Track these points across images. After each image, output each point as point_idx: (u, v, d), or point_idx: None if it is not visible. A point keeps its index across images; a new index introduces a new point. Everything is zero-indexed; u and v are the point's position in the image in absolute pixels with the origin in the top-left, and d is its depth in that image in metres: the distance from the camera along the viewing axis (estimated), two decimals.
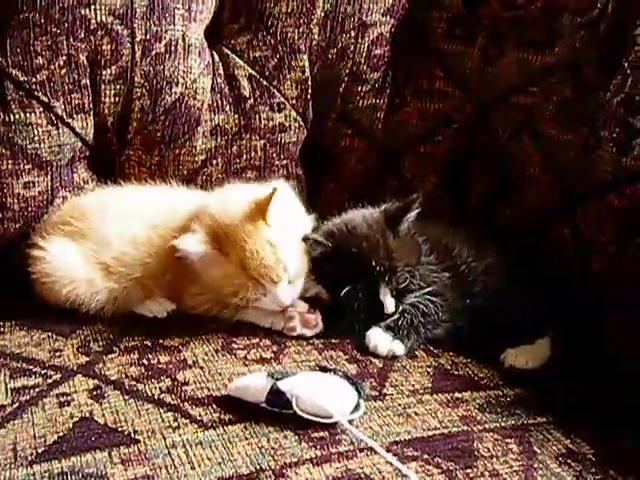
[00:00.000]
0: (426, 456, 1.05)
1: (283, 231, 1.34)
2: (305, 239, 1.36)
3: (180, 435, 1.08)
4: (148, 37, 1.51)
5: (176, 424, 1.10)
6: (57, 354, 1.29)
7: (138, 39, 1.50)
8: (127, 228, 1.41)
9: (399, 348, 1.31)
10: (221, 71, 1.62)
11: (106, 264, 1.40)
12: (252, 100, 1.62)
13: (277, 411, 1.10)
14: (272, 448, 1.05)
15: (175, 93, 1.55)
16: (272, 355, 1.30)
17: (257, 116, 1.63)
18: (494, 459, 1.05)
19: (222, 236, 1.33)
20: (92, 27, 1.47)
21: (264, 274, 1.32)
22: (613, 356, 1.31)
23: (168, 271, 1.41)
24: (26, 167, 1.48)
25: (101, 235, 1.41)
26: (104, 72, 1.51)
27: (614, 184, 1.37)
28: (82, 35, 1.47)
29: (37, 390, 1.19)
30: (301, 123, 1.66)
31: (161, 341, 1.34)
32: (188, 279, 1.40)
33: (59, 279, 1.39)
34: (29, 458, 1.03)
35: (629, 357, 1.29)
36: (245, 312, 1.39)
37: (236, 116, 1.62)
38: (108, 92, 1.52)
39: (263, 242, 1.31)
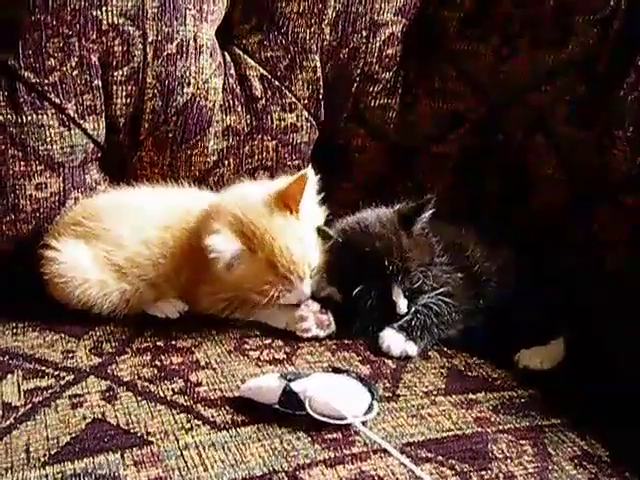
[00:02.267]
0: (440, 458, 1.05)
1: (308, 224, 1.34)
2: (318, 230, 1.36)
3: (193, 436, 1.08)
4: (159, 38, 1.51)
5: (189, 425, 1.10)
6: (70, 355, 1.30)
7: (149, 40, 1.51)
8: (140, 229, 1.41)
9: (412, 349, 1.31)
10: (233, 71, 1.62)
11: (119, 265, 1.40)
12: (264, 100, 1.62)
13: (290, 412, 1.10)
14: (285, 450, 1.05)
15: (187, 94, 1.55)
16: (285, 356, 1.30)
17: (269, 116, 1.63)
18: (508, 461, 1.05)
19: (248, 233, 1.32)
20: (104, 28, 1.47)
21: (293, 270, 1.31)
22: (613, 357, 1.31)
23: (183, 271, 1.41)
24: (38, 168, 1.49)
25: (114, 236, 1.41)
26: (116, 73, 1.51)
27: (629, 183, 1.36)
28: (94, 36, 1.47)
29: (50, 391, 1.19)
30: (313, 123, 1.66)
31: (173, 342, 1.34)
32: (203, 279, 1.40)
33: (71, 280, 1.40)
34: (42, 459, 1.03)
35: (628, 359, 1.28)
36: (259, 313, 1.39)
37: (248, 116, 1.62)
38: (120, 93, 1.52)
39: (293, 238, 1.31)
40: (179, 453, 1.04)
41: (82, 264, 1.40)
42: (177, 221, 1.42)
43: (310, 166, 1.42)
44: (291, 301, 1.36)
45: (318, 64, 1.63)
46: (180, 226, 1.41)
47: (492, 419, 1.15)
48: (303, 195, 1.32)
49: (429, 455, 1.05)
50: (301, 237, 1.32)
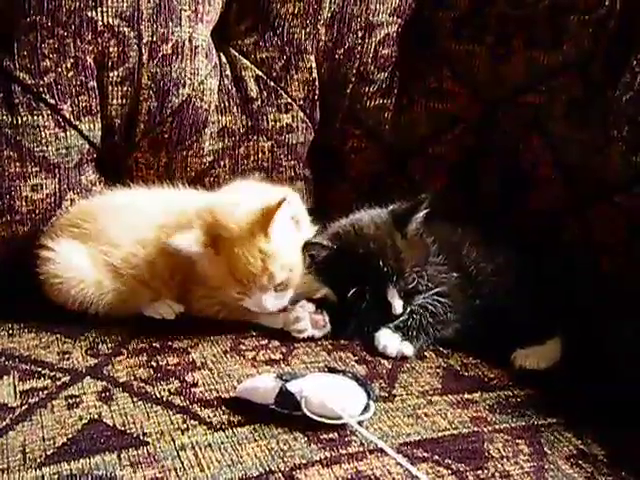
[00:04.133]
0: (436, 457, 1.05)
1: (281, 243, 1.33)
2: (308, 244, 1.36)
3: (189, 437, 1.07)
4: (155, 39, 1.51)
5: (185, 426, 1.10)
6: (66, 356, 1.30)
7: (145, 41, 1.51)
8: (137, 229, 1.41)
9: (408, 349, 1.31)
10: (228, 72, 1.62)
11: (115, 266, 1.40)
12: (259, 101, 1.62)
13: (286, 413, 1.10)
14: (281, 450, 1.05)
15: (182, 95, 1.55)
16: (281, 356, 1.30)
17: (264, 117, 1.63)
18: (505, 460, 1.05)
19: (219, 236, 1.33)
20: (99, 29, 1.47)
21: (250, 280, 1.32)
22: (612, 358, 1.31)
23: (177, 273, 1.42)
24: (34, 170, 1.49)
25: (110, 237, 1.41)
26: (111, 74, 1.51)
27: (624, 183, 1.36)
28: (89, 37, 1.47)
29: (46, 392, 1.19)
30: (308, 124, 1.66)
31: (170, 343, 1.34)
32: (195, 281, 1.40)
33: (67, 280, 1.40)
34: (38, 460, 1.03)
35: (627, 359, 1.28)
36: (255, 315, 1.38)
37: (243, 117, 1.62)
38: (115, 94, 1.52)
39: (255, 250, 1.31)
40: (175, 454, 1.04)
41: (78, 265, 1.40)
42: (173, 221, 1.41)
43: (292, 191, 1.43)
44: (253, 308, 1.36)
45: (313, 65, 1.63)
46: (175, 226, 1.40)
47: (488, 419, 1.15)
48: (275, 217, 1.31)
49: (425, 455, 1.05)
50: (265, 251, 1.31)
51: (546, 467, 1.04)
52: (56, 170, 1.51)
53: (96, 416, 1.12)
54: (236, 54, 1.62)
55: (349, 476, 1.00)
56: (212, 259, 1.33)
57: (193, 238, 1.32)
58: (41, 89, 1.47)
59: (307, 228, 1.44)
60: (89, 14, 1.46)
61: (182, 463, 1.02)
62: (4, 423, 1.11)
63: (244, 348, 1.32)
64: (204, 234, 1.33)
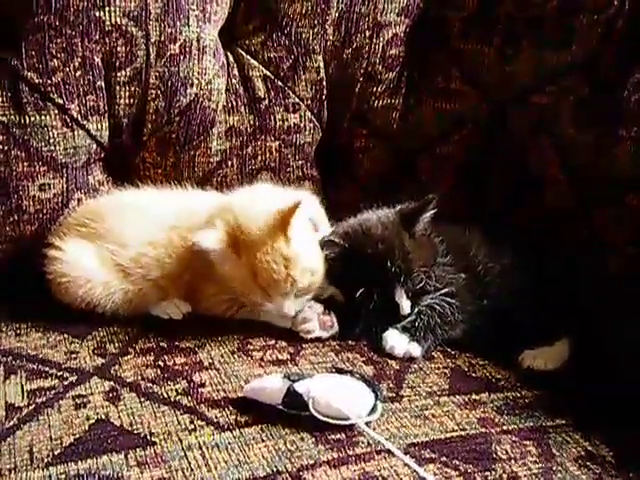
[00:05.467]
0: (444, 458, 1.05)
1: (301, 247, 1.33)
2: (320, 241, 1.36)
3: (196, 437, 1.07)
4: (163, 38, 1.51)
5: (192, 426, 1.10)
6: (73, 356, 1.30)
7: (153, 40, 1.51)
8: (145, 229, 1.41)
9: (416, 350, 1.31)
10: (236, 72, 1.62)
11: (123, 265, 1.40)
12: (267, 101, 1.62)
13: (294, 413, 1.10)
14: (289, 450, 1.05)
15: (190, 94, 1.55)
16: (288, 357, 1.30)
17: (272, 117, 1.63)
18: (512, 461, 1.05)
19: (240, 238, 1.32)
20: (107, 29, 1.47)
21: (272, 286, 1.31)
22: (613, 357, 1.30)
23: (186, 272, 1.41)
24: (41, 169, 1.49)
25: (119, 236, 1.41)
26: (119, 74, 1.51)
27: (632, 183, 1.36)
28: (97, 37, 1.47)
29: (53, 392, 1.19)
30: (316, 124, 1.66)
31: (177, 343, 1.34)
32: (206, 279, 1.40)
33: (75, 280, 1.39)
34: (45, 460, 1.03)
35: (629, 360, 1.28)
36: (264, 313, 1.38)
37: (251, 117, 1.62)
38: (123, 94, 1.52)
39: (277, 255, 1.31)
40: (182, 454, 1.04)
41: (86, 264, 1.40)
42: (183, 221, 1.41)
43: (310, 194, 1.43)
44: (273, 311, 1.36)
45: (321, 64, 1.63)
46: (186, 226, 1.40)
47: (496, 420, 1.14)
48: (293, 219, 1.31)
49: (433, 456, 1.05)
50: (287, 257, 1.31)
51: (554, 468, 1.04)
52: (64, 170, 1.51)
53: (103, 416, 1.12)
54: (243, 54, 1.62)
55: (356, 477, 1.00)
56: (234, 262, 1.33)
57: (216, 237, 1.32)
58: (49, 88, 1.46)
59: (327, 230, 1.43)
60: (97, 14, 1.46)
61: (189, 463, 1.02)
62: (11, 423, 1.11)
63: (251, 348, 1.32)
64: (226, 234, 1.32)
